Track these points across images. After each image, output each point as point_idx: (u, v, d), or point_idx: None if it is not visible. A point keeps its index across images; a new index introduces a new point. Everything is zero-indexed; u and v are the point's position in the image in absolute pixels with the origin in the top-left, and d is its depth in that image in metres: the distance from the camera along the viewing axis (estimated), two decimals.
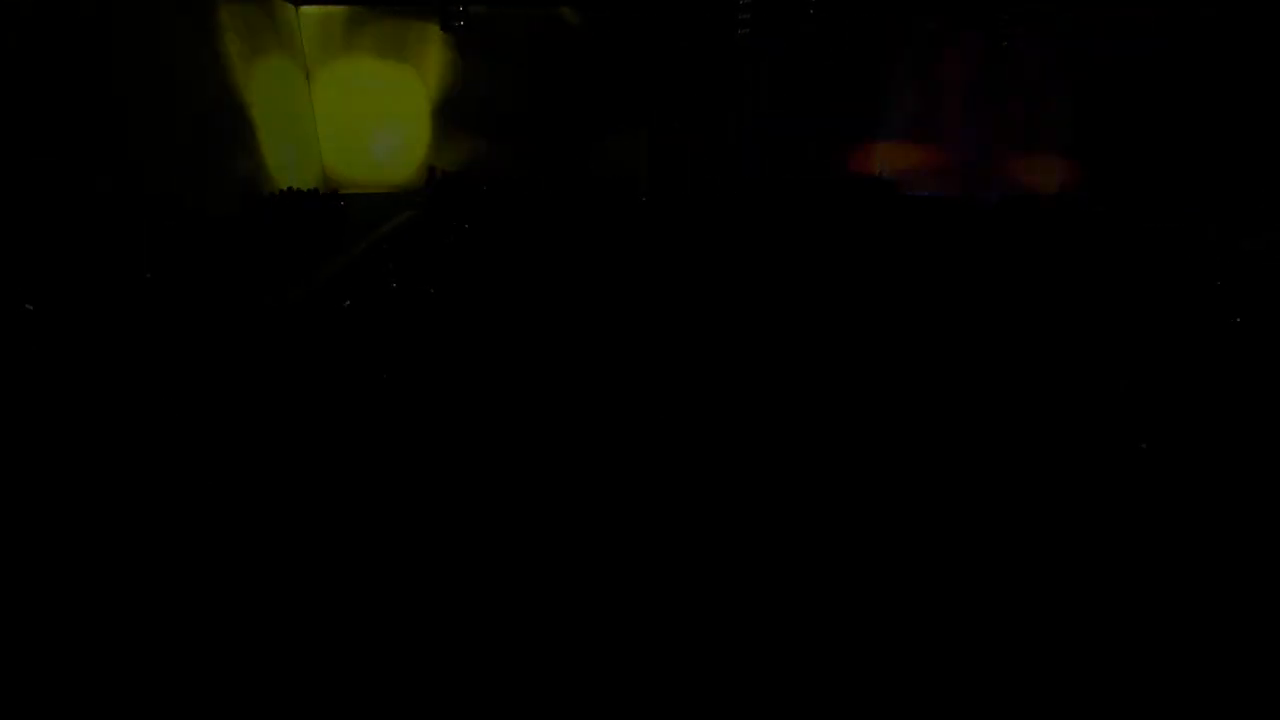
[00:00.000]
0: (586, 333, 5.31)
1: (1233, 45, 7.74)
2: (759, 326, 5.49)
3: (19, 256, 4.52)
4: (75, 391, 3.73)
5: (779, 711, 2.27)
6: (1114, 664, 2.44)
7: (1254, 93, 7.62)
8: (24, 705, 2.20)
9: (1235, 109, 7.81)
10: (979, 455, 3.73)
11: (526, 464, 3.59)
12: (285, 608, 2.63)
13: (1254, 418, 4.02)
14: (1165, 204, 8.29)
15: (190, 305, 4.89)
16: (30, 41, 4.95)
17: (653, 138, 10.78)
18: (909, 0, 10.29)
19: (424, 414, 4.08)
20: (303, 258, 6.38)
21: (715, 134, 10.96)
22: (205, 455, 3.51)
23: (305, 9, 9.51)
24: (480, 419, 4.03)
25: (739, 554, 2.97)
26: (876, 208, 9.26)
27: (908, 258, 7.42)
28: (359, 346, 4.78)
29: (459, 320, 5.38)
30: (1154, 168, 8.72)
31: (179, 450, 3.52)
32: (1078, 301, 5.92)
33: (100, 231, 5.23)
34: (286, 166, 8.84)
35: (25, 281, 4.34)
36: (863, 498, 3.37)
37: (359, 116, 10.11)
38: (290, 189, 8.07)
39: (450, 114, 10.32)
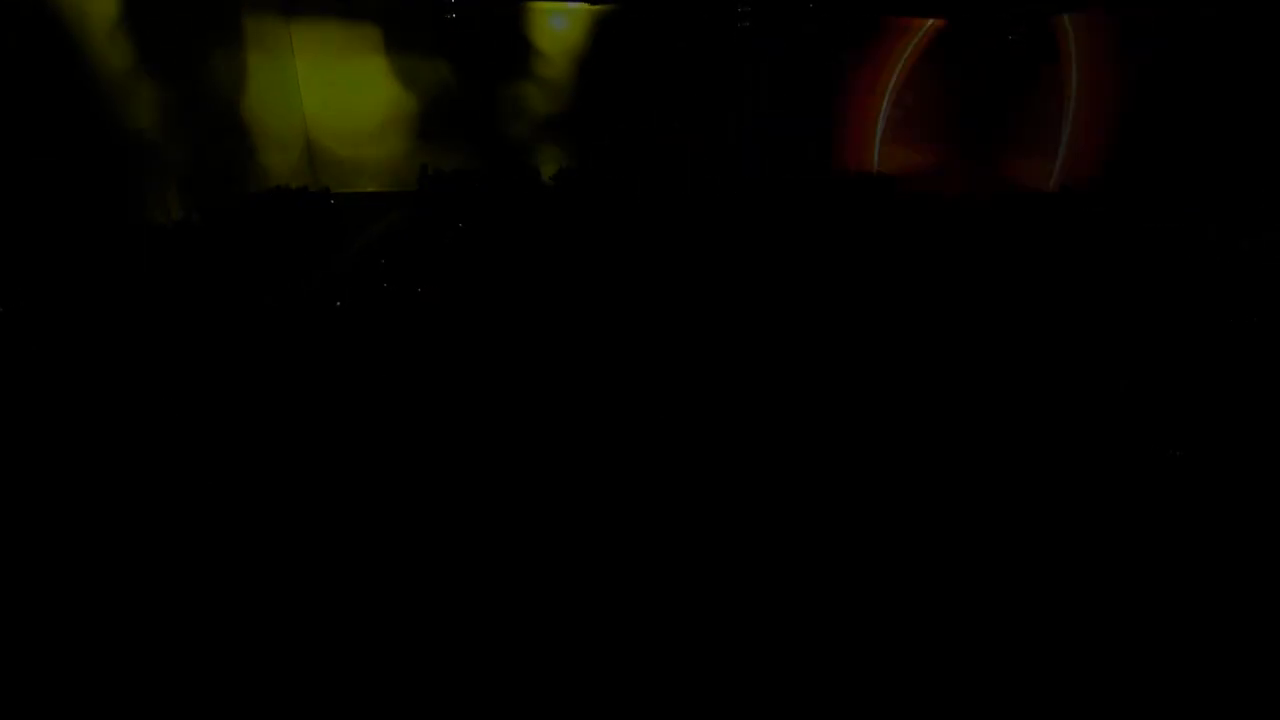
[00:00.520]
0: (585, 333, 5.26)
1: (1233, 45, 7.73)
2: (759, 326, 5.46)
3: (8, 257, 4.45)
4: (61, 392, 3.73)
5: (779, 711, 2.25)
6: (1129, 669, 2.42)
7: (1254, 93, 7.61)
8: (23, 705, 2.20)
9: (1235, 109, 7.80)
10: (979, 455, 3.71)
11: (525, 464, 3.56)
12: (284, 608, 2.62)
13: (1256, 418, 3.99)
14: (1165, 204, 8.28)
15: (181, 305, 4.86)
16: (24, 38, 4.88)
17: (653, 137, 10.74)
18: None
19: (420, 415, 4.04)
20: (292, 258, 6.29)
21: (715, 134, 10.98)
22: (196, 457, 3.49)
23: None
24: (479, 419, 4.00)
25: (738, 554, 2.95)
26: (876, 207, 9.25)
27: (907, 257, 7.41)
28: (351, 348, 4.74)
29: (453, 321, 5.32)
30: (1154, 168, 8.71)
31: (169, 452, 3.50)
32: (1077, 301, 5.89)
33: (95, 232, 5.17)
34: (276, 165, 8.73)
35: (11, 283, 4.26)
36: (863, 498, 3.35)
37: (350, 114, 10.01)
38: (280, 187, 7.94)
39: (443, 112, 10.21)
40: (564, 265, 6.67)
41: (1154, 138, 8.68)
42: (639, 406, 4.17)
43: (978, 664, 2.44)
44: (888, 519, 3.19)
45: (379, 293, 5.58)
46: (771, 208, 8.92)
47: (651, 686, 2.32)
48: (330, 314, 5.22)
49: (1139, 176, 8.79)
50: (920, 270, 6.94)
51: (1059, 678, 2.37)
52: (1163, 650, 2.49)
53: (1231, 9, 7.64)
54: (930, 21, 10.90)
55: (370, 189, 10.23)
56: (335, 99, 9.86)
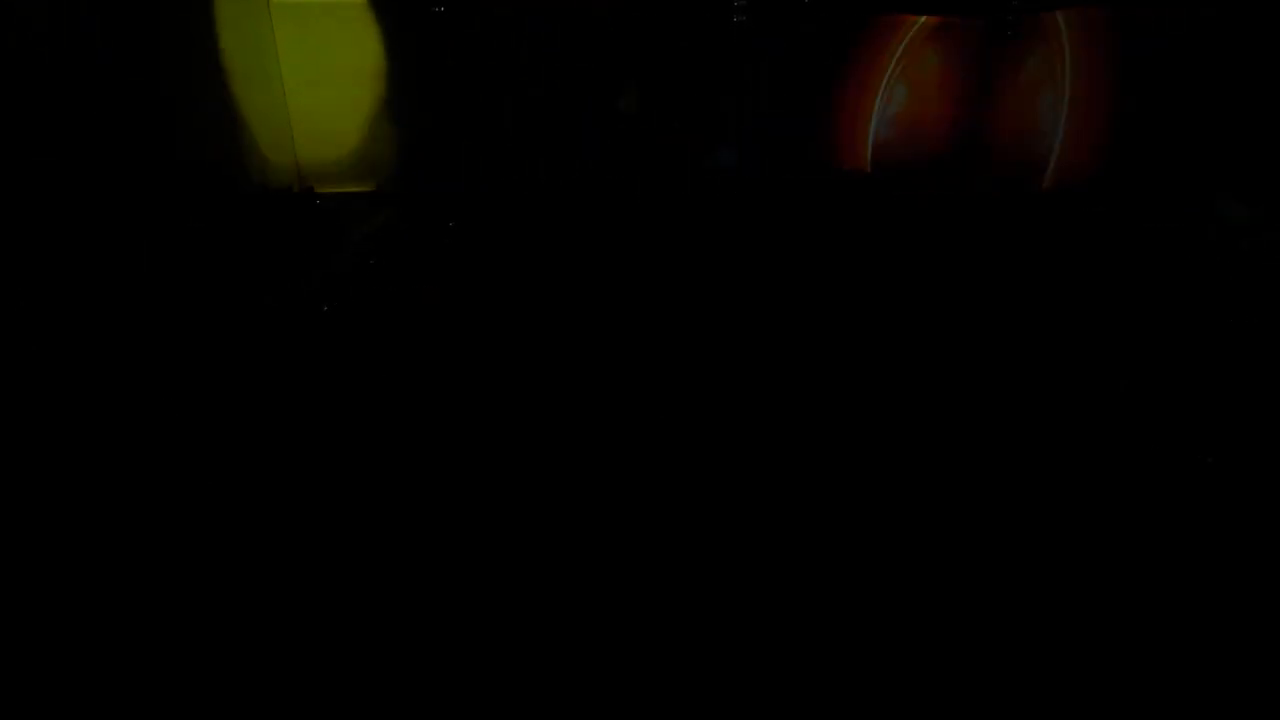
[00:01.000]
0: (585, 333, 5.19)
1: (1233, 45, 7.73)
2: (758, 326, 5.45)
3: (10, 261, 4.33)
4: (59, 392, 3.71)
5: (779, 711, 2.24)
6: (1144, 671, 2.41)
7: (1255, 93, 7.62)
8: (23, 705, 2.19)
9: (1235, 109, 7.81)
10: (978, 456, 3.70)
11: (523, 465, 3.55)
12: (284, 608, 2.62)
13: (1256, 419, 3.98)
14: (1165, 204, 8.28)
15: (180, 306, 4.83)
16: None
17: (652, 137, 10.67)
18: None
19: (415, 417, 4.03)
20: (277, 259, 6.14)
21: (715, 134, 10.91)
22: (196, 457, 3.47)
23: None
24: (476, 419, 3.99)
25: (737, 554, 2.95)
26: (876, 206, 9.27)
27: (907, 256, 7.43)
28: (339, 352, 4.73)
29: (452, 321, 5.26)
30: (1153, 168, 8.72)
31: (170, 452, 3.48)
32: (1076, 301, 5.89)
33: (88, 232, 5.03)
34: (258, 164, 8.49)
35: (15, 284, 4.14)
36: (863, 498, 3.34)
37: (335, 112, 9.78)
38: (263, 186, 7.72)
39: (433, 109, 10.02)
40: (562, 265, 6.62)
41: (1153, 137, 8.68)
42: (639, 406, 4.13)
43: (978, 664, 2.42)
44: (888, 519, 3.18)
45: (379, 293, 5.55)
46: (771, 208, 8.92)
47: (651, 686, 2.30)
48: (331, 314, 5.19)
49: (1138, 176, 8.80)
50: (919, 269, 6.95)
51: (1059, 678, 2.36)
52: (1163, 650, 2.48)
53: (1231, 9, 7.64)
54: (923, 19, 10.88)
55: (356, 189, 10.03)
56: (321, 95, 9.64)
